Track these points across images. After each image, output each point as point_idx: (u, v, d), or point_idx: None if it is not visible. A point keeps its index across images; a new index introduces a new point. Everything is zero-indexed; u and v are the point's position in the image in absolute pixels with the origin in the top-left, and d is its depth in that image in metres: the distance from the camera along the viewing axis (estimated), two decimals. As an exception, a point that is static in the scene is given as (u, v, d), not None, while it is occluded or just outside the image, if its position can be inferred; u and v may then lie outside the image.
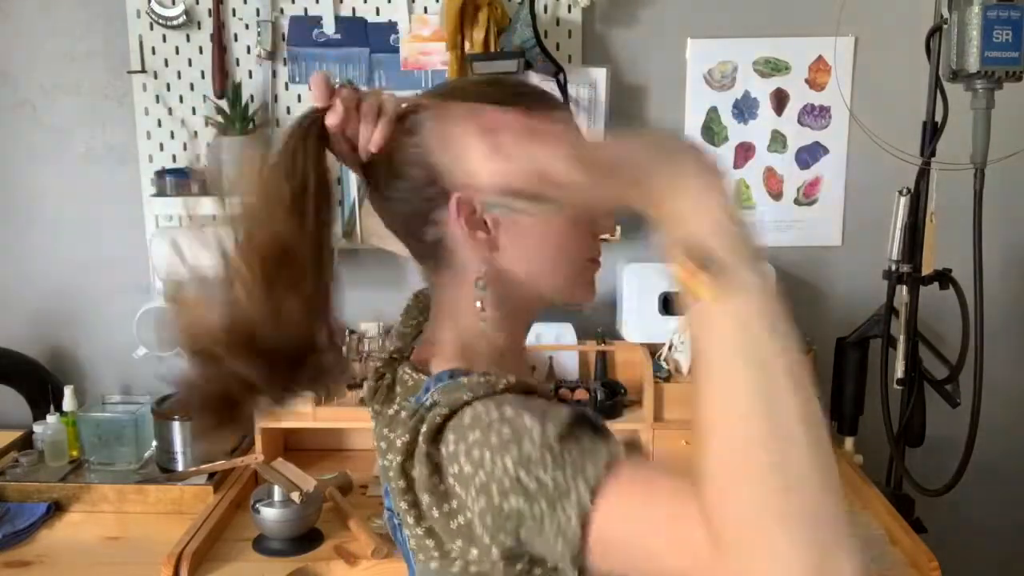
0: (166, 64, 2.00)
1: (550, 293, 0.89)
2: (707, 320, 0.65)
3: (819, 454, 0.61)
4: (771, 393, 0.62)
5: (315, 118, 0.83)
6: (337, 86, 0.84)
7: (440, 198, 0.83)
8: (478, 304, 0.85)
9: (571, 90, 1.89)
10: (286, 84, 2.00)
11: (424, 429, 0.75)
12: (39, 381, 2.04)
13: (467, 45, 1.87)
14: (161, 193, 1.96)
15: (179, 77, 2.00)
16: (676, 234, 0.65)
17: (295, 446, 2.02)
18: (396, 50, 1.97)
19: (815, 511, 0.60)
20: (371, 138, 0.84)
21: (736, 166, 2.03)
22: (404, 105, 0.86)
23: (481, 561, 0.73)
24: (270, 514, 1.64)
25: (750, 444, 0.61)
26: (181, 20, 1.95)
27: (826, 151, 2.03)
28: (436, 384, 0.81)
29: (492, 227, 0.84)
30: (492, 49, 1.86)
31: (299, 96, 2.00)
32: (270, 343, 0.79)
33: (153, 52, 1.99)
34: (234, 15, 1.97)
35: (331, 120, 0.83)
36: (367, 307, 1.94)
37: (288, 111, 2.01)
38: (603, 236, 0.91)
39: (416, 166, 0.83)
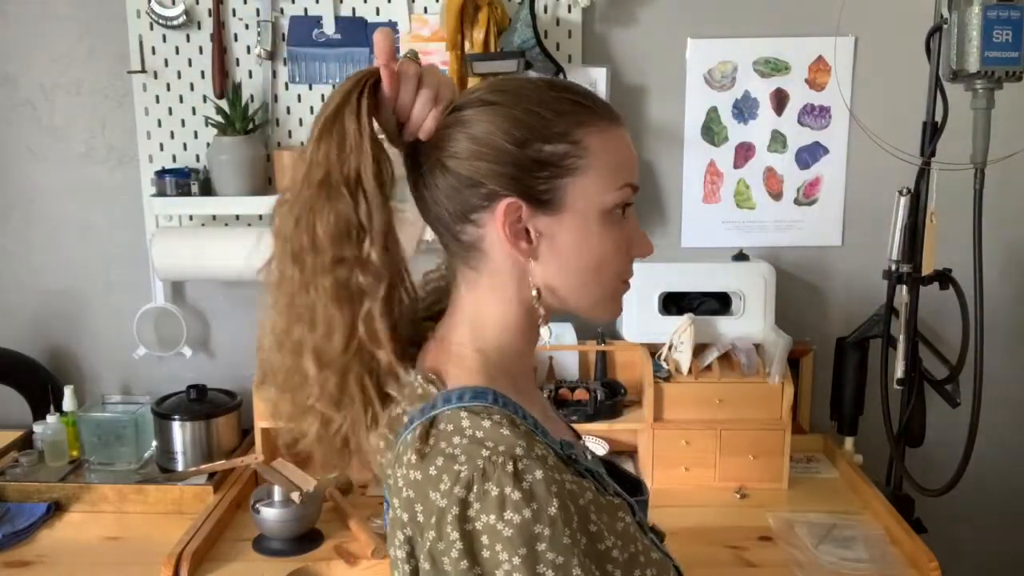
0: (166, 64, 2.00)
1: (577, 307, 0.88)
2: None
3: None
4: None
5: (369, 78, 0.81)
6: (403, 56, 0.83)
7: (484, 201, 0.82)
8: (541, 312, 0.85)
9: (571, 90, 1.89)
10: (286, 84, 2.00)
11: (448, 508, 0.75)
12: (39, 381, 2.04)
13: (467, 45, 1.87)
14: (161, 193, 1.96)
15: (179, 77, 2.00)
16: None
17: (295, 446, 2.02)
18: (396, 50, 1.97)
19: None
20: (423, 124, 0.82)
21: (736, 166, 2.03)
22: (459, 98, 0.84)
23: None
24: (270, 514, 1.64)
25: None
26: (181, 20, 1.95)
27: (826, 151, 2.03)
28: (445, 405, 0.81)
29: (535, 237, 0.83)
30: (492, 49, 1.86)
31: (299, 96, 2.00)
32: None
33: (153, 52, 1.99)
34: (234, 15, 1.97)
35: (387, 90, 0.81)
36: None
37: (288, 111, 2.01)
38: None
39: (464, 164, 0.82)
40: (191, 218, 2.05)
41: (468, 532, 0.74)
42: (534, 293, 0.84)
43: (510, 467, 0.75)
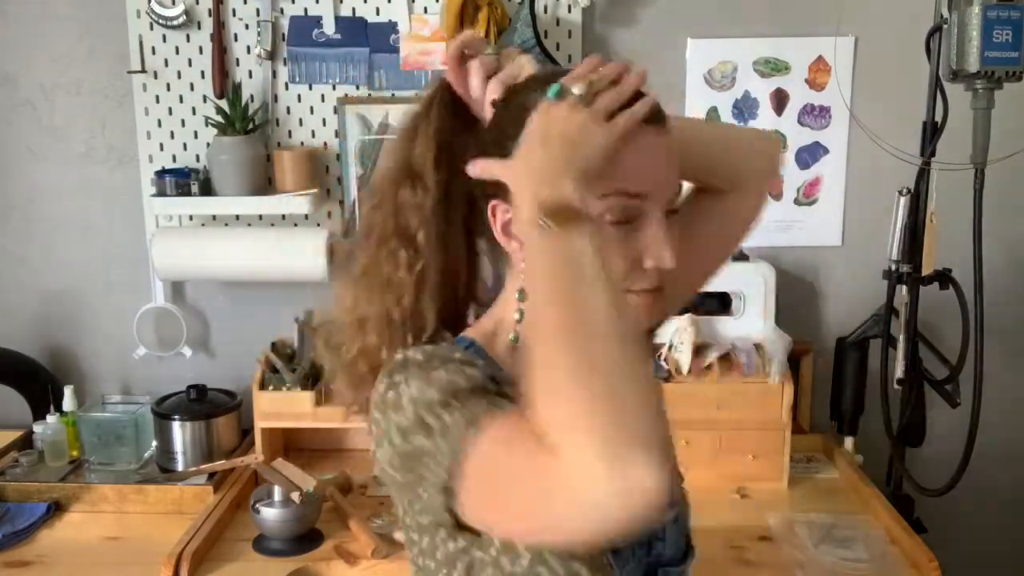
0: (166, 64, 2.00)
1: None
2: (553, 245, 0.71)
3: (625, 371, 0.66)
4: (586, 313, 0.68)
5: (441, 83, 0.88)
6: (487, 52, 0.87)
7: (490, 198, 0.84)
8: (515, 315, 0.85)
9: (571, 90, 1.89)
10: (286, 84, 2.00)
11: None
12: (39, 381, 2.04)
13: (467, 45, 1.87)
14: (161, 193, 1.96)
15: (179, 77, 2.00)
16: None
17: (295, 446, 2.02)
18: (396, 50, 1.97)
19: (618, 416, 0.63)
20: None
21: (736, 166, 2.03)
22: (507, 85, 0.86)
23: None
24: (270, 514, 1.64)
25: (560, 354, 0.66)
26: (181, 20, 1.95)
27: (826, 151, 2.03)
28: None
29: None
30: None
31: (299, 96, 2.00)
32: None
33: (153, 52, 1.99)
34: (234, 15, 1.97)
35: (457, 90, 0.88)
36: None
37: (288, 111, 2.01)
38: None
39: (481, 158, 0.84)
40: (191, 218, 2.05)
41: (387, 400, 0.79)
42: (516, 295, 0.84)
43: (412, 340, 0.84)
